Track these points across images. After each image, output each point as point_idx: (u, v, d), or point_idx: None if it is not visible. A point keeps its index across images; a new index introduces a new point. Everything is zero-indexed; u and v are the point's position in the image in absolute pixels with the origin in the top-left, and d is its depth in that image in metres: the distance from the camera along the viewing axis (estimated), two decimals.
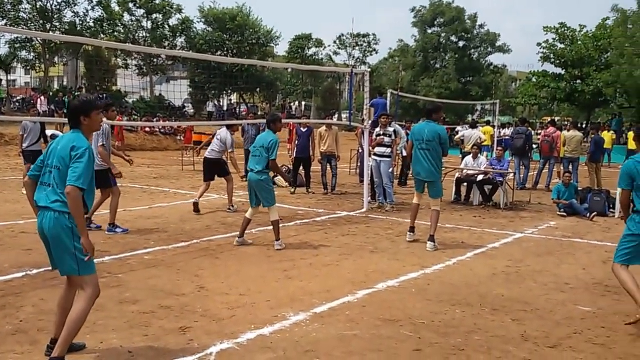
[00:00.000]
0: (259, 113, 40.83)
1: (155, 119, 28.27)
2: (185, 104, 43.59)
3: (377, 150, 10.92)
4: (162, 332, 4.54)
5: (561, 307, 5.46)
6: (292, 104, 53.56)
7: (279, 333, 4.60)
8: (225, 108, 44.98)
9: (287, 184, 9.10)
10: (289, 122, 16.38)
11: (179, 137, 26.33)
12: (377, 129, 11.14)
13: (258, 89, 47.07)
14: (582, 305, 5.53)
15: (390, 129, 11.10)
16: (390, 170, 11.15)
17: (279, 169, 7.90)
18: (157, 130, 26.67)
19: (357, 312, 5.15)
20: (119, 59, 40.91)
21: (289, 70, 52.37)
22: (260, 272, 6.36)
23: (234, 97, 50.43)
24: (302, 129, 13.29)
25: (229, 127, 10.72)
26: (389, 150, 10.93)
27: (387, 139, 10.90)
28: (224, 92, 45.94)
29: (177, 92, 31.11)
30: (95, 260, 3.94)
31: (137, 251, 7.14)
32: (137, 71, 40.84)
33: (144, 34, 40.82)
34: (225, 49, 43.10)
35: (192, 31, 42.71)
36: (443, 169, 8.70)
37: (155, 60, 41.01)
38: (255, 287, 5.80)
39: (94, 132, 4.37)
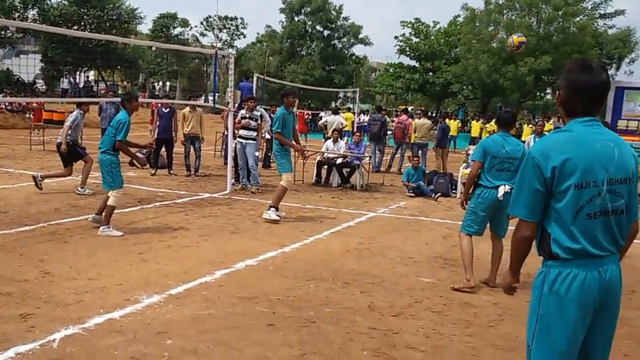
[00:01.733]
0: (120, 92, 38.88)
1: (1, 95, 25.89)
2: (37, 80, 40.32)
3: (243, 133, 10.92)
4: (0, 320, 4.25)
5: (405, 279, 5.87)
6: (155, 84, 51.62)
7: (130, 316, 4.49)
8: (81, 85, 42.25)
9: (141, 165, 8.74)
10: (150, 102, 15.81)
11: (27, 115, 24.35)
12: (243, 112, 11.14)
13: (118, 67, 44.76)
14: (423, 277, 5.98)
15: (257, 113, 11.15)
16: (257, 153, 11.22)
17: (128, 151, 7.40)
18: (3, 106, 24.45)
19: (213, 291, 5.16)
20: None
21: (153, 49, 50.39)
22: (112, 256, 6.13)
23: (92, 75, 47.52)
24: (163, 109, 12.90)
25: (79, 105, 10.19)
26: (254, 133, 10.99)
27: (252, 123, 10.95)
28: (80, 69, 43.06)
29: (28, 66, 28.60)
30: None
31: None
32: None
33: None
34: (83, 23, 40.37)
35: (45, 3, 39.44)
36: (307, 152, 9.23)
37: (3, 32, 37.38)
38: (107, 271, 5.60)
39: None
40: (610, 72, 39.23)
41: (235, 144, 11.06)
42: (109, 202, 7.12)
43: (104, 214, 7.12)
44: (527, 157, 2.52)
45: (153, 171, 12.44)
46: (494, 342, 4.33)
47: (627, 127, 33.58)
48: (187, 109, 12.99)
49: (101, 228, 7.04)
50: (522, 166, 2.53)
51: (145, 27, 51.72)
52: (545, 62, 29.12)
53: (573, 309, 2.42)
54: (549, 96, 49.21)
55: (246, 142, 10.92)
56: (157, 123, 12.84)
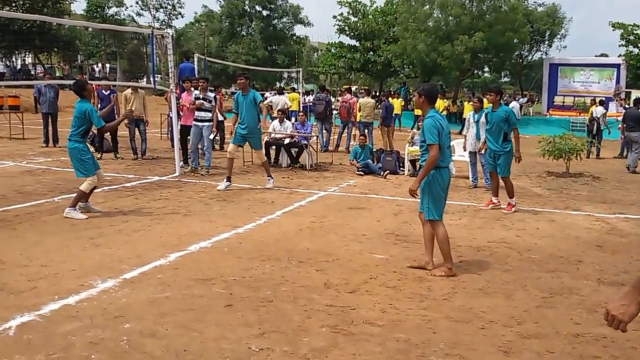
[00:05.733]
0: (57, 74, 37.38)
1: None
2: None
3: (197, 114, 10.80)
4: None
5: (359, 256, 6.00)
6: (94, 66, 49.90)
7: (86, 301, 4.45)
8: (17, 68, 40.41)
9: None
10: (90, 84, 15.36)
11: None
12: (196, 92, 10.99)
13: (55, 49, 42.97)
14: (376, 253, 6.11)
15: (210, 94, 11.02)
16: (211, 135, 11.11)
17: (115, 125, 8.01)
18: None
19: (168, 274, 5.15)
20: None
21: (89, 29, 48.60)
22: (63, 242, 6.02)
23: (29, 58, 45.49)
24: (103, 91, 12.58)
25: None
26: (209, 114, 10.87)
27: (206, 104, 10.82)
28: (16, 52, 41.11)
29: None
30: None
31: None
32: None
33: None
34: (14, 4, 38.38)
35: None
36: None
37: None
38: (59, 257, 5.51)
39: None
40: (543, 49, 40.74)
41: (192, 126, 10.92)
42: (81, 187, 7.18)
43: (74, 195, 7.23)
44: None
45: (99, 155, 12.14)
46: (449, 314, 4.49)
47: (563, 102, 34.89)
48: (129, 90, 12.72)
49: (67, 209, 7.08)
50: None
51: (79, 7, 49.86)
52: (480, 39, 29.79)
53: None
54: (486, 74, 50.65)
55: (202, 125, 10.80)
56: (98, 105, 12.50)
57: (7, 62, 41.46)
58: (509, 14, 31.16)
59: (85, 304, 4.39)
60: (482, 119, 9.92)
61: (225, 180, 9.53)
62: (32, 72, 38.19)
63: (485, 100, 10.23)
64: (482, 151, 9.76)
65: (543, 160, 12.57)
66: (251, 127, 9.53)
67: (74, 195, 7.21)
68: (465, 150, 10.71)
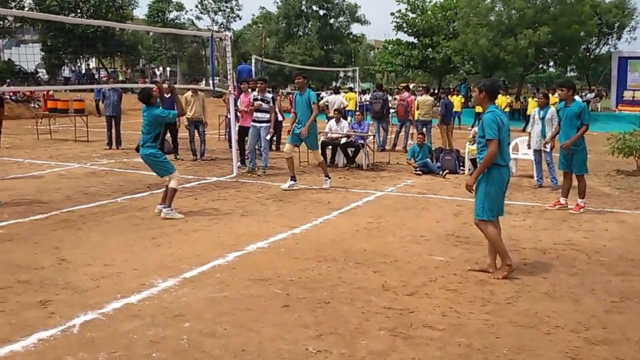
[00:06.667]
0: (120, 78, 38.76)
1: (4, 85, 25.83)
2: (38, 69, 40.19)
3: (256, 115, 10.91)
4: (20, 307, 4.31)
5: (417, 257, 5.88)
6: (155, 70, 51.46)
7: (147, 300, 4.53)
8: (82, 72, 42.17)
9: None
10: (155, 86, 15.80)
11: (32, 105, 24.31)
12: (255, 93, 11.10)
13: (118, 53, 44.57)
14: (436, 255, 5.97)
15: (268, 95, 11.10)
16: (268, 136, 11.20)
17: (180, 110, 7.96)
18: (8, 97, 24.41)
19: (227, 274, 5.20)
20: None
21: (150, 33, 50.12)
22: (126, 242, 6.18)
23: (93, 62, 47.37)
24: (165, 94, 12.85)
25: None
26: (267, 115, 10.95)
27: (264, 105, 10.91)
28: (81, 57, 42.92)
29: (29, 55, 28.44)
30: None
31: None
32: None
33: None
34: (79, 10, 40.10)
35: None
36: None
37: (1, 22, 37.15)
38: (121, 256, 5.65)
39: None
40: (612, 41, 39.04)
41: (250, 127, 11.03)
42: (171, 185, 7.38)
43: (167, 197, 7.39)
44: None
45: None
46: (513, 319, 4.33)
47: (633, 97, 33.21)
48: (189, 93, 12.97)
49: (164, 210, 7.28)
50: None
51: (141, 12, 51.57)
52: (544, 33, 28.84)
53: None
54: (551, 69, 48.95)
55: (260, 125, 10.90)
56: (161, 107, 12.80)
57: (73, 67, 43.24)
58: (576, 6, 30.04)
59: (146, 303, 4.48)
60: (548, 115, 9.60)
61: (289, 179, 9.59)
62: (96, 76, 39.66)
63: (550, 95, 9.85)
64: (548, 148, 9.43)
65: (612, 158, 12.04)
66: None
67: (167, 195, 7.36)
68: (529, 148, 10.36)
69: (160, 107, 7.51)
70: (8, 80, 28.44)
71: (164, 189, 7.60)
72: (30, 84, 31.48)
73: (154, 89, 7.96)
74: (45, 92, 21.75)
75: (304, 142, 9.78)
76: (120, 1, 42.03)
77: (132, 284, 4.88)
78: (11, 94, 24.17)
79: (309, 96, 9.57)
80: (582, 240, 6.60)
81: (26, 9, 38.22)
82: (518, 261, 5.69)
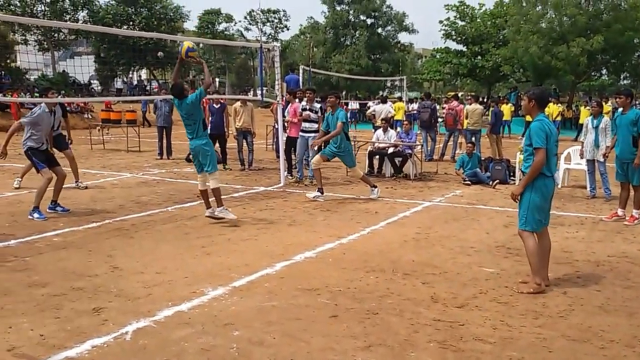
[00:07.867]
0: None
1: (60, 97, 26.87)
2: (92, 81, 41.63)
3: (304, 125, 10.99)
4: (75, 314, 4.43)
5: (467, 269, 5.78)
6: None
7: (197, 308, 4.59)
8: (134, 84, 43.43)
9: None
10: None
11: (86, 115, 25.15)
12: (303, 103, 11.18)
13: (169, 65, 45.72)
14: (486, 266, 5.86)
15: (317, 105, 11.17)
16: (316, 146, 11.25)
17: (208, 81, 7.94)
18: (69, 107, 25.40)
19: (275, 283, 5.22)
20: (16, 34, 38.28)
21: (200, 45, 51.21)
22: (176, 250, 6.29)
23: (144, 74, 48.72)
24: (214, 105, 13.11)
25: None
26: (315, 125, 11.01)
27: (313, 115, 10.98)
28: (133, 68, 44.21)
29: (83, 67, 29.49)
30: (0, 244, 3.78)
31: (45, 233, 6.87)
32: (37, 47, 38.49)
33: (42, 8, 38.41)
34: (132, 23, 41.41)
35: (94, 4, 40.63)
36: (353, 142, 10.12)
37: (56, 34, 38.71)
38: (172, 264, 5.75)
39: None
40: None
41: (299, 137, 11.12)
42: (212, 186, 7.56)
43: (213, 198, 7.58)
44: None
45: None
46: (566, 332, 4.22)
47: None
48: (238, 103, 13.16)
49: (218, 209, 7.47)
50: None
51: (191, 25, 52.79)
52: (598, 41, 28.03)
53: None
54: (604, 77, 47.49)
55: (308, 135, 10.97)
56: (210, 119, 13.06)
57: (124, 79, 44.55)
58: (629, 12, 29.16)
59: (197, 311, 4.54)
60: (602, 124, 9.34)
61: (317, 190, 9.53)
62: (147, 88, 40.74)
63: (604, 104, 9.60)
64: (602, 158, 9.15)
65: None
66: (342, 146, 9.52)
67: (214, 196, 7.54)
68: (582, 157, 10.06)
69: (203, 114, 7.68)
70: (62, 92, 29.54)
71: (201, 194, 7.77)
72: (84, 95, 32.63)
73: (205, 100, 8.10)
74: (105, 102, 22.50)
75: (342, 161, 9.79)
76: (171, 14, 43.15)
77: (183, 292, 4.96)
78: (66, 105, 25.05)
79: (338, 115, 9.55)
80: (637, 253, 6.38)
81: (80, 22, 39.80)
82: (571, 273, 5.57)
